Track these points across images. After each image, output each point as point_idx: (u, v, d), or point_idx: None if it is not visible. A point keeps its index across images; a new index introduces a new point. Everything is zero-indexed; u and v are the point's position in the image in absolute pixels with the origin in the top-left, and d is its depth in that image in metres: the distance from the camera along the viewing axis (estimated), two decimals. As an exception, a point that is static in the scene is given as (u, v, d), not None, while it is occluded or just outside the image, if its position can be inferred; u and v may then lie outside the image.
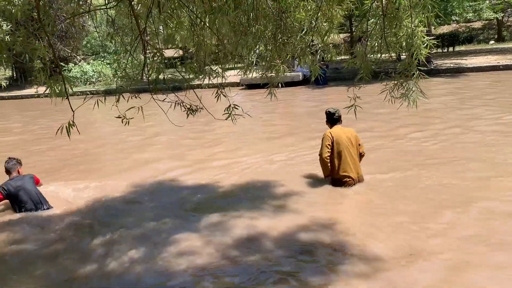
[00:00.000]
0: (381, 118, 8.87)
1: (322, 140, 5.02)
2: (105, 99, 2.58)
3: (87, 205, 5.18)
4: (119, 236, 4.21)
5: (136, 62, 3.09)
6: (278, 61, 4.02)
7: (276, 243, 3.77)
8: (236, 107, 3.08)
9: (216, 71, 3.82)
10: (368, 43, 2.99)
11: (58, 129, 2.45)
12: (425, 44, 2.79)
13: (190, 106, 3.01)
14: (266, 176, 5.71)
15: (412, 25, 2.81)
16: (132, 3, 2.45)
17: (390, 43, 3.02)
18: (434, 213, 4.14)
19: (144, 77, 2.55)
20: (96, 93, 20.11)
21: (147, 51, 2.48)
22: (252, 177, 5.73)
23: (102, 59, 25.23)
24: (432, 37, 2.86)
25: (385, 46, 2.77)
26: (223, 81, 3.99)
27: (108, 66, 24.20)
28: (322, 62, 16.05)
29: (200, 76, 3.50)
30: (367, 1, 3.05)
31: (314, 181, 5.32)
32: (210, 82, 3.52)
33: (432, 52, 21.93)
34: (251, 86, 17.14)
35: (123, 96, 2.58)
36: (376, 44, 2.88)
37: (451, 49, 24.94)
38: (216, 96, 3.07)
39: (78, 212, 4.98)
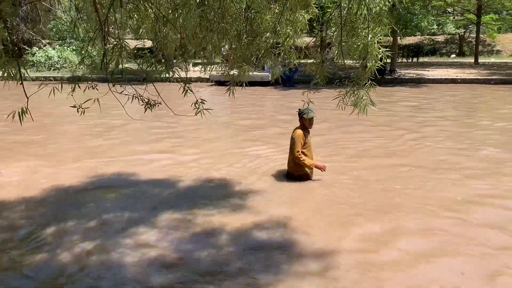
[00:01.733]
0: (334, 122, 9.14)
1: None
2: (61, 86, 2.55)
3: (41, 193, 5.07)
4: (73, 226, 4.16)
5: (101, 51, 3.06)
6: (242, 60, 4.11)
7: (229, 240, 3.85)
8: (204, 101, 3.11)
9: (181, 65, 3.84)
10: (327, 50, 3.11)
11: (9, 114, 2.41)
12: (380, 56, 2.93)
13: (148, 100, 3.01)
14: (228, 173, 5.77)
15: (369, 36, 2.95)
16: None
17: (348, 51, 3.15)
18: (390, 212, 4.35)
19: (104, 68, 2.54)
20: (60, 79, 19.41)
21: (107, 42, 2.48)
22: (214, 174, 5.77)
23: (68, 45, 24.41)
24: (387, 49, 3.01)
25: (341, 54, 2.89)
26: (191, 76, 4.03)
27: (74, 52, 23.43)
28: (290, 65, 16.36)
29: (160, 69, 3.50)
30: (329, 10, 3.17)
31: (276, 179, 5.47)
32: (176, 76, 3.52)
33: (398, 61, 22.75)
34: (221, 82, 17.13)
35: (79, 86, 2.56)
36: (336, 51, 3.00)
37: (415, 59, 25.93)
38: (183, 92, 3.09)
39: (31, 199, 4.86)
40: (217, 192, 5.11)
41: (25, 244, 3.82)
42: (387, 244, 3.76)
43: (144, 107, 3.10)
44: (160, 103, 3.16)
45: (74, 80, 2.49)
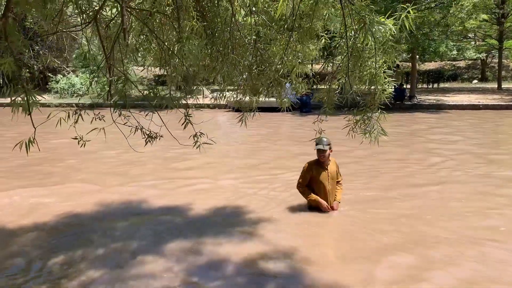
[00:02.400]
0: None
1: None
2: (68, 116, 2.59)
3: (49, 220, 5.11)
4: (81, 255, 4.15)
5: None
6: (253, 89, 4.14)
7: (236, 270, 3.76)
8: (203, 134, 3.07)
9: (197, 92, 3.91)
10: (334, 79, 3.08)
11: (16, 145, 2.44)
12: (386, 85, 2.88)
13: (150, 132, 3.01)
14: (240, 201, 5.71)
15: (376, 65, 2.91)
16: (101, 27, 2.50)
17: (356, 80, 3.11)
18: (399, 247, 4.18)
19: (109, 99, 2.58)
20: (82, 106, 19.99)
21: (113, 73, 2.52)
22: (226, 202, 5.72)
23: (92, 72, 25.22)
24: (393, 79, 2.96)
25: (349, 83, 2.86)
26: (209, 103, 4.10)
27: (97, 81, 24.15)
28: (305, 92, 16.41)
29: (177, 96, 3.55)
30: (336, 39, 3.17)
31: (287, 208, 5.35)
32: (193, 102, 3.57)
33: (418, 87, 22.53)
34: (238, 109, 17.25)
35: (81, 117, 2.59)
36: (342, 80, 2.97)
37: (436, 85, 25.62)
38: (183, 123, 3.02)
39: (40, 227, 4.90)
40: (227, 220, 5.05)
41: (32, 272, 3.82)
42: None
43: (145, 140, 3.08)
44: (162, 136, 3.15)
45: (83, 108, 2.53)
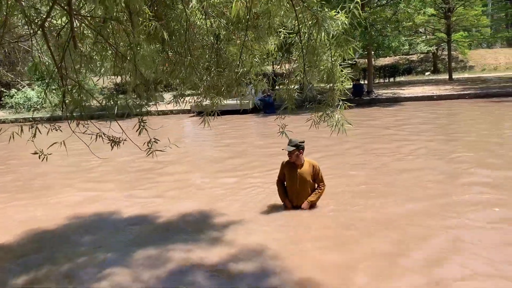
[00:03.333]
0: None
1: (320, 170, 5.17)
2: (21, 131, 2.48)
3: (11, 238, 4.88)
4: (45, 273, 3.99)
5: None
6: (213, 91, 4.13)
7: (207, 275, 3.74)
8: (157, 141, 3.01)
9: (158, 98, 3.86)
10: (292, 76, 3.13)
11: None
12: (343, 78, 2.96)
13: (113, 138, 2.94)
14: (210, 205, 5.66)
15: (332, 59, 2.98)
16: (51, 35, 2.42)
17: (314, 76, 3.18)
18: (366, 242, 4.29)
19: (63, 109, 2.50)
20: (40, 119, 19.23)
21: (67, 83, 2.44)
22: (195, 207, 5.65)
23: (48, 85, 24.26)
24: (350, 71, 3.05)
25: (306, 79, 2.91)
26: (172, 109, 4.06)
27: (54, 92, 23.27)
28: (265, 92, 16.56)
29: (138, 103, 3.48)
30: (291, 36, 3.22)
31: (257, 210, 5.34)
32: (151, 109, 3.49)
33: (375, 82, 23.23)
34: (202, 113, 17.12)
35: (39, 130, 2.50)
36: (300, 77, 3.02)
37: (392, 79, 26.51)
38: (137, 130, 2.98)
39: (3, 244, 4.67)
40: (196, 225, 5.00)
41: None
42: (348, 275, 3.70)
43: (111, 145, 3.03)
44: (125, 140, 3.10)
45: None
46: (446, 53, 26.51)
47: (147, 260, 4.11)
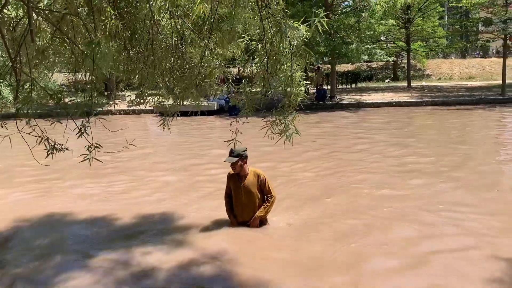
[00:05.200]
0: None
1: (267, 180, 4.64)
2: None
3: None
4: (-5, 278, 3.80)
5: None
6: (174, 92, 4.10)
7: (167, 278, 3.70)
8: (99, 146, 2.87)
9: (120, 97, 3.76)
10: (253, 82, 3.16)
11: None
12: (301, 86, 3.02)
13: (55, 143, 2.79)
14: (170, 208, 5.59)
15: (292, 67, 3.03)
16: (5, 28, 2.32)
17: (272, 83, 3.22)
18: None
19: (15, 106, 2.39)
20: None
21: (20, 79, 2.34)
22: (155, 209, 5.56)
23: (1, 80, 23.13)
24: (307, 81, 3.12)
25: (268, 85, 2.95)
26: (137, 108, 3.98)
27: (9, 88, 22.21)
28: (227, 95, 16.55)
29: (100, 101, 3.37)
30: (254, 43, 3.24)
31: (218, 213, 5.26)
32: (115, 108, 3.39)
33: (338, 88, 23.75)
34: (167, 114, 16.86)
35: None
36: (260, 83, 3.05)
37: (354, 85, 27.22)
38: (77, 133, 2.80)
39: None
40: (156, 228, 4.92)
41: None
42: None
43: (47, 152, 2.85)
44: (67, 148, 2.93)
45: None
46: (406, 61, 27.51)
47: (105, 263, 4.01)
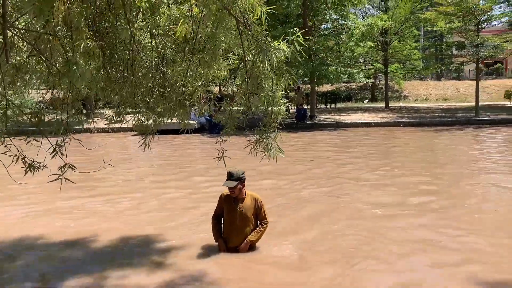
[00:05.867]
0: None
1: (263, 205, 4.56)
2: None
3: None
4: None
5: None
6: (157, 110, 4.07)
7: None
8: (73, 167, 2.81)
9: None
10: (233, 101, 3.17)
11: None
12: (282, 105, 3.05)
13: (32, 161, 2.73)
14: (148, 229, 5.45)
15: (272, 87, 3.06)
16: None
17: (253, 102, 3.24)
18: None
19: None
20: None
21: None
22: (132, 230, 5.41)
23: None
24: (288, 100, 3.16)
25: (249, 103, 2.96)
26: (115, 127, 3.93)
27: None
28: (209, 113, 16.57)
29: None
30: (236, 62, 3.27)
31: (199, 233, 5.19)
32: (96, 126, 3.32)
33: (317, 107, 24.08)
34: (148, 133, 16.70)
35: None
36: (241, 102, 3.07)
37: (333, 105, 27.66)
38: (51, 153, 2.75)
39: None
40: (135, 250, 4.79)
41: None
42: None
43: (25, 170, 2.78)
44: (46, 166, 2.86)
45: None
46: (383, 82, 28.19)
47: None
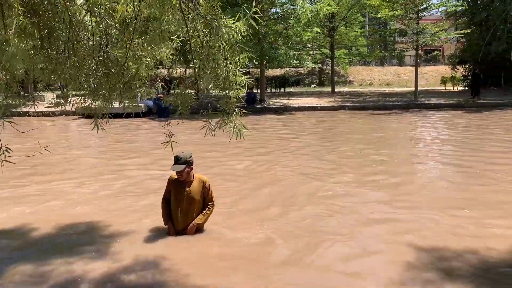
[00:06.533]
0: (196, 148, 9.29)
1: (210, 187, 4.58)
2: None
3: None
4: None
5: None
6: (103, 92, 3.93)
7: (94, 287, 3.52)
8: (8, 150, 2.70)
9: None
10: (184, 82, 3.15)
11: None
12: (242, 84, 3.08)
13: None
14: (94, 216, 5.30)
15: (228, 66, 3.07)
16: None
17: (209, 82, 3.24)
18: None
19: None
20: None
21: None
22: (76, 217, 5.24)
23: None
24: (248, 77, 3.20)
25: (202, 85, 2.96)
26: (59, 109, 3.75)
27: None
28: (157, 96, 16.26)
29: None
30: (189, 42, 3.23)
31: (146, 219, 5.13)
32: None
33: (267, 91, 24.28)
34: (89, 115, 16.03)
35: None
36: (198, 82, 3.06)
37: (282, 90, 28.02)
38: None
39: None
40: (80, 238, 4.65)
41: None
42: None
43: None
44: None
45: None
46: (330, 68, 28.91)
47: (23, 277, 3.72)
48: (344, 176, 7.26)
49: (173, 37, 3.63)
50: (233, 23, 3.00)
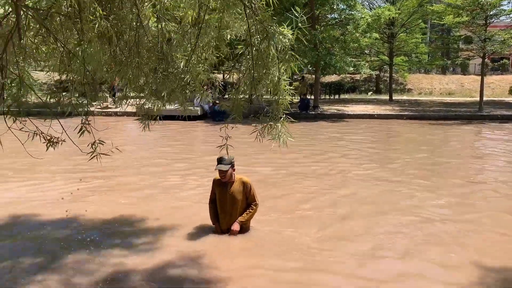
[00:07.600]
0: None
1: (252, 187, 4.73)
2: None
3: None
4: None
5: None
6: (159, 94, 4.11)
7: (143, 280, 3.68)
8: (102, 142, 2.93)
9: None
10: (239, 87, 3.21)
11: None
12: (287, 92, 3.10)
13: (51, 137, 2.83)
14: (145, 209, 5.56)
15: (278, 73, 3.10)
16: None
17: (260, 88, 3.28)
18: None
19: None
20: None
21: (7, 75, 2.33)
22: (127, 212, 5.51)
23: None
24: (292, 87, 3.20)
25: (254, 91, 3.01)
26: (117, 111, 3.98)
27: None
28: (213, 100, 16.64)
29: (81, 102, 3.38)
30: (240, 47, 3.30)
31: (193, 216, 5.30)
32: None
33: (321, 98, 24.05)
34: (150, 116, 16.74)
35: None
36: (246, 88, 3.11)
37: (337, 96, 27.61)
38: (79, 132, 2.89)
39: None
40: (131, 230, 4.88)
41: None
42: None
43: (46, 145, 2.90)
44: (64, 140, 2.98)
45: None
46: (388, 75, 28.06)
47: (78, 265, 3.97)
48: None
49: (231, 38, 3.70)
50: (284, 30, 3.00)
